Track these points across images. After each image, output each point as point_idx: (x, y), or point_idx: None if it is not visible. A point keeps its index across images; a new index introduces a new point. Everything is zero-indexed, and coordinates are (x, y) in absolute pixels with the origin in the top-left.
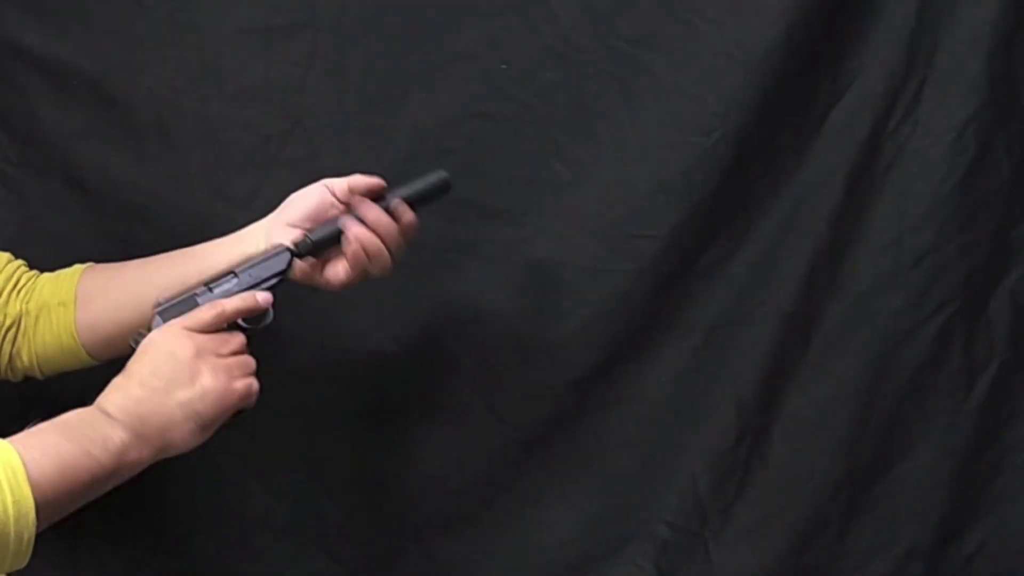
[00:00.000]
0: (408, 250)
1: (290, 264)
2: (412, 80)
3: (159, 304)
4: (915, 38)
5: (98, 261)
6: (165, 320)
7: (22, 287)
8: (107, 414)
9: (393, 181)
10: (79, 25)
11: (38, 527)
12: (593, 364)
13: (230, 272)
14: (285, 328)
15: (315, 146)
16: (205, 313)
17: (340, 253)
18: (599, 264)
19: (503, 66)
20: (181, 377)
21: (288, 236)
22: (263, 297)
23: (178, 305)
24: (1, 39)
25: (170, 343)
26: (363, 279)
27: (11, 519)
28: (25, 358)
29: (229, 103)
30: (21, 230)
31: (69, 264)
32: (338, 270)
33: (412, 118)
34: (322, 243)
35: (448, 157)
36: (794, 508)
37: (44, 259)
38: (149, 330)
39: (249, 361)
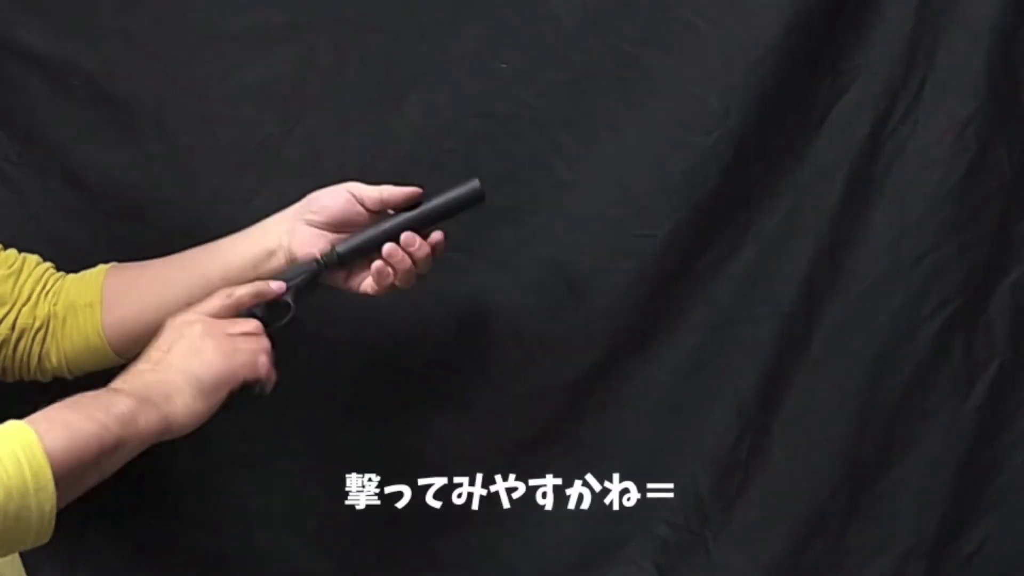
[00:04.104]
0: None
1: (317, 276)
2: (412, 80)
3: None
4: (915, 37)
5: (98, 261)
6: None
7: (50, 289)
8: (112, 388)
9: (392, 181)
10: (79, 25)
11: (57, 501)
12: (593, 364)
13: None
14: (285, 329)
15: (315, 146)
16: (216, 298)
17: (366, 264)
18: (599, 264)
19: (503, 66)
20: (184, 349)
21: (309, 237)
22: (276, 285)
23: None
24: (1, 39)
25: (178, 323)
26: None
27: (31, 491)
28: (54, 359)
29: (229, 103)
30: (21, 230)
31: (69, 264)
32: (364, 281)
33: (412, 118)
34: (348, 256)
35: (448, 157)
36: (794, 508)
37: (44, 259)
38: None
39: (261, 340)
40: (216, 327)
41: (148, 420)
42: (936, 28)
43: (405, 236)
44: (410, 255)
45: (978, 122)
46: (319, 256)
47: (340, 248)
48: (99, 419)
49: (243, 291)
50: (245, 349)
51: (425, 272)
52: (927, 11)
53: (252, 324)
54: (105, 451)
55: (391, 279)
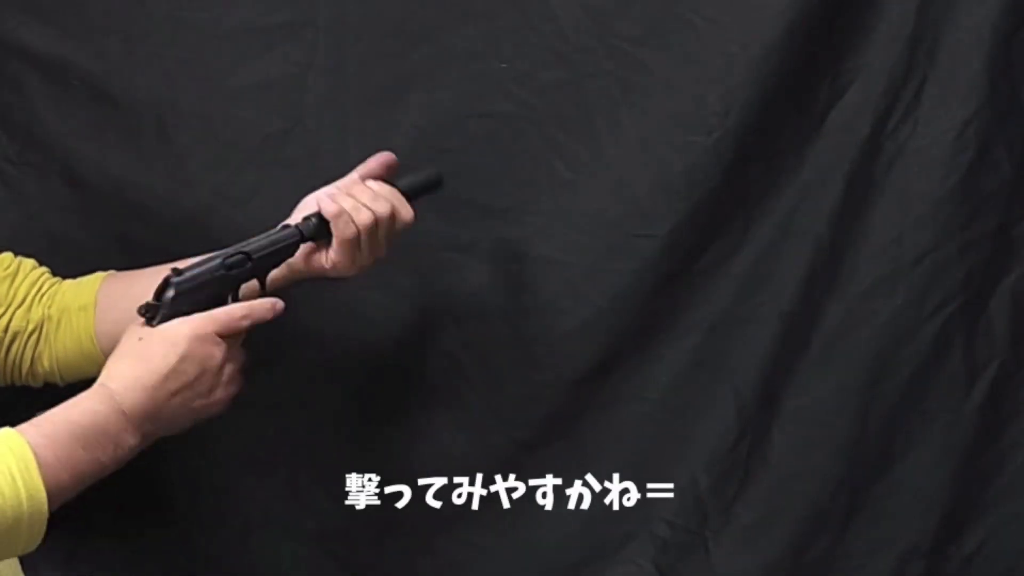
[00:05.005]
0: (408, 246)
1: (297, 247)
2: (412, 80)
3: (177, 277)
4: (915, 38)
5: (97, 261)
6: (184, 303)
7: (45, 293)
8: (123, 413)
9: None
10: (79, 25)
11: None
12: (593, 364)
13: (243, 253)
14: (285, 329)
15: (315, 146)
16: (238, 321)
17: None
18: (599, 264)
19: (503, 66)
20: (203, 388)
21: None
22: (280, 309)
23: (199, 288)
24: (1, 39)
25: (201, 351)
26: (358, 256)
27: (25, 513)
28: (46, 363)
29: (229, 103)
30: (21, 230)
31: (68, 264)
32: (331, 250)
33: (412, 118)
34: (322, 223)
35: (448, 157)
36: (794, 508)
37: (44, 259)
38: (158, 300)
39: (243, 355)
40: (229, 355)
41: (141, 448)
42: (936, 28)
43: (351, 187)
44: (357, 199)
45: (978, 122)
46: (297, 227)
47: (314, 217)
48: (103, 462)
49: (260, 317)
50: (239, 378)
51: (383, 215)
52: (927, 12)
53: (245, 355)
54: (96, 479)
55: (351, 231)
